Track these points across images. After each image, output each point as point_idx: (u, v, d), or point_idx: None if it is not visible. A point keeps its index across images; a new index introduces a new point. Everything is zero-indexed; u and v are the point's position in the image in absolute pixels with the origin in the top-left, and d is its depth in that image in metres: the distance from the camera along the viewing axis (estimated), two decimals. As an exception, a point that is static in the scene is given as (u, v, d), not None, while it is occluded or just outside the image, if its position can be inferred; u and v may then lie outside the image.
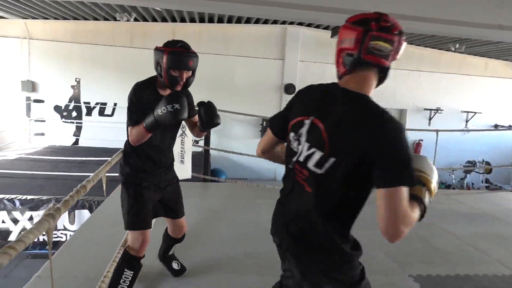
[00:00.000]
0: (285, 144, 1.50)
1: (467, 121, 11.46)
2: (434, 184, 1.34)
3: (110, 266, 2.51)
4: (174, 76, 2.12)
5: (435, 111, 11.17)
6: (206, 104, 2.27)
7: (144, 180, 2.29)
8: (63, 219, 5.65)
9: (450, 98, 11.29)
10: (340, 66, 1.36)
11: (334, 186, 1.26)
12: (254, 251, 3.45)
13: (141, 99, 2.16)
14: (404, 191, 1.16)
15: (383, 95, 10.83)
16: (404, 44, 1.32)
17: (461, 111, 11.40)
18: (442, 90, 11.26)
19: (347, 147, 1.21)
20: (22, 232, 5.58)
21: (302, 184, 1.34)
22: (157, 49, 2.17)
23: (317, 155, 1.26)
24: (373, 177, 1.20)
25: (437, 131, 5.96)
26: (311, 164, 1.29)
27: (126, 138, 2.30)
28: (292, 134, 1.40)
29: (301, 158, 1.33)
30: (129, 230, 2.31)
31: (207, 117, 2.25)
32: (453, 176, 10.91)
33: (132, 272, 2.25)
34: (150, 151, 2.29)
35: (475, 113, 11.29)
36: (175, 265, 2.86)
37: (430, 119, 11.26)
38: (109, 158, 2.71)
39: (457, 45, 9.25)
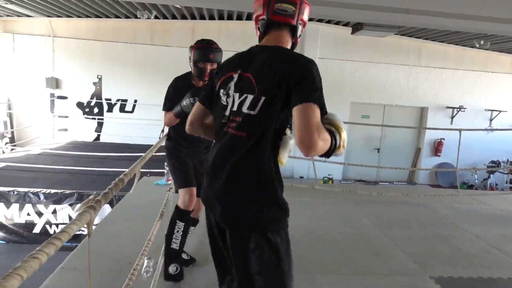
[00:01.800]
0: (212, 118, 1.65)
1: (491, 120, 11.13)
2: (344, 134, 1.44)
3: (139, 259, 2.54)
4: (200, 67, 2.54)
5: (458, 109, 10.89)
6: None
7: (182, 151, 2.72)
8: (85, 213, 5.77)
9: (474, 96, 10.99)
10: (257, 31, 1.60)
11: (266, 124, 1.39)
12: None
13: (176, 89, 2.65)
14: (316, 108, 1.32)
15: (404, 92, 10.71)
16: (308, 7, 1.55)
17: (485, 110, 11.09)
18: (466, 87, 10.97)
19: (272, 85, 1.39)
20: (52, 225, 5.71)
21: (233, 133, 1.45)
22: (190, 46, 2.61)
23: (249, 98, 1.42)
24: (291, 103, 1.34)
25: (460, 130, 5.80)
26: (245, 108, 1.42)
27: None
28: (221, 91, 1.53)
29: (234, 108, 1.46)
30: (179, 189, 2.68)
31: None
32: (476, 176, 10.64)
33: (183, 224, 2.64)
34: (185, 133, 2.43)
35: (500, 111, 10.95)
36: (184, 256, 2.95)
37: (452, 117, 10.99)
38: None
39: (482, 42, 8.97)
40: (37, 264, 0.86)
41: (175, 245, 2.63)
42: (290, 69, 1.38)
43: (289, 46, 1.56)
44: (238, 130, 1.43)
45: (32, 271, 0.83)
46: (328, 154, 1.40)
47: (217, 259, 1.68)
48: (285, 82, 1.37)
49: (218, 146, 1.53)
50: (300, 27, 1.55)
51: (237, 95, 1.47)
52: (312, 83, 1.36)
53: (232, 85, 1.50)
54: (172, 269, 2.67)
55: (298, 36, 1.57)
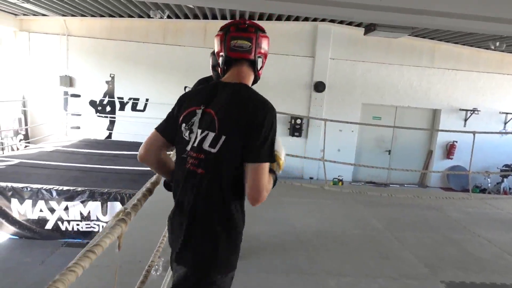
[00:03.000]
0: (168, 154, 1.67)
1: (505, 123, 10.95)
2: (282, 160, 1.61)
3: (154, 256, 2.56)
4: (217, 72, 2.58)
5: (472, 112, 10.74)
6: None
7: None
8: (96, 211, 5.85)
9: (488, 99, 10.82)
10: (218, 67, 1.66)
11: (225, 163, 1.45)
12: (281, 249, 3.45)
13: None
14: (266, 166, 1.45)
15: (416, 94, 10.60)
16: (266, 39, 1.62)
17: (500, 112, 10.91)
18: (480, 90, 10.81)
19: (233, 125, 1.45)
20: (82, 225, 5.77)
21: (193, 170, 1.47)
22: (211, 52, 2.60)
23: (210, 136, 1.46)
24: (244, 152, 1.43)
25: (474, 132, 5.72)
26: (206, 145, 1.46)
27: None
28: (183, 125, 1.54)
29: (196, 144, 1.49)
30: None
31: None
32: (489, 180, 10.47)
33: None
34: None
35: (515, 114, 10.78)
36: None
37: (465, 120, 10.84)
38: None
39: (498, 43, 8.83)
40: (74, 277, 0.91)
41: None
42: (252, 116, 1.45)
43: (251, 80, 1.63)
44: (198, 167, 1.46)
45: (69, 283, 0.87)
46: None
47: None
48: (244, 126, 1.44)
49: (179, 182, 1.53)
50: (260, 60, 1.61)
51: (199, 131, 1.49)
52: (270, 141, 1.45)
53: (196, 120, 1.51)
54: None
55: (259, 69, 1.63)
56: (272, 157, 1.48)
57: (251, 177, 1.42)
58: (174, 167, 1.64)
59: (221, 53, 1.60)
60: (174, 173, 1.61)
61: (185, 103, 1.60)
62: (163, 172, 1.70)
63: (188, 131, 1.52)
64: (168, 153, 1.76)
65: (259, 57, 1.60)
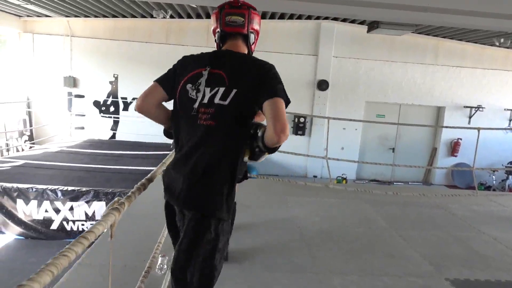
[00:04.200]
0: (163, 108, 1.78)
1: (510, 120, 10.89)
2: None
3: (152, 258, 2.58)
4: None
5: (476, 109, 10.68)
6: None
7: None
8: (101, 211, 5.87)
9: (493, 95, 10.76)
10: (215, 43, 1.82)
11: (235, 114, 1.59)
12: (285, 248, 3.45)
13: None
14: (283, 102, 1.55)
15: (420, 91, 10.56)
16: (257, 16, 1.79)
17: (504, 109, 10.84)
18: (484, 86, 10.75)
19: (243, 80, 1.60)
20: (78, 223, 5.81)
21: (205, 124, 1.59)
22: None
23: (221, 91, 1.59)
24: (260, 100, 1.56)
25: (478, 129, 5.69)
26: (217, 99, 1.59)
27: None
28: (189, 85, 1.65)
29: (205, 100, 1.61)
30: None
31: None
32: (493, 177, 10.42)
33: None
34: None
35: (520, 111, 10.72)
36: None
37: (470, 117, 10.78)
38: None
39: (502, 40, 8.78)
40: (66, 261, 0.93)
41: None
42: (261, 72, 1.62)
43: (245, 53, 1.78)
44: (210, 120, 1.59)
45: (62, 267, 0.90)
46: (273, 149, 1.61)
47: (172, 230, 1.85)
48: (254, 79, 1.59)
49: (188, 136, 1.64)
50: (252, 36, 1.79)
51: (208, 89, 1.61)
52: (278, 85, 1.59)
53: (202, 80, 1.63)
54: None
55: (251, 43, 1.80)
56: (286, 97, 1.58)
57: (272, 111, 1.51)
58: (170, 117, 1.76)
59: (217, 30, 1.76)
60: (180, 132, 1.69)
61: (189, 65, 1.72)
62: (160, 119, 1.80)
63: (195, 91, 1.63)
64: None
65: (251, 32, 1.77)
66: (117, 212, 1.39)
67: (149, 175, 2.04)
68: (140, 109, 1.74)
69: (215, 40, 1.80)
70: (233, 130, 1.59)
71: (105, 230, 1.29)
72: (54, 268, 0.86)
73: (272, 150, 1.59)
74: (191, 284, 1.58)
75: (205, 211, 1.59)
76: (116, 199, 1.49)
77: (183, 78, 1.68)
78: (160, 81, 1.74)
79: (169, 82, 1.72)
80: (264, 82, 1.58)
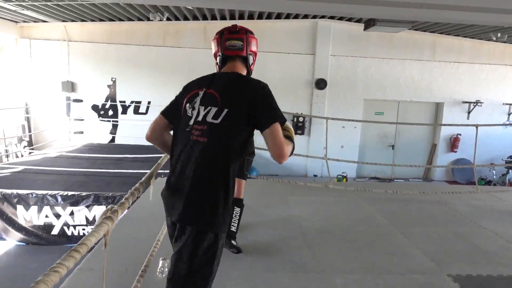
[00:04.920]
0: (171, 134, 1.91)
1: (509, 114, 10.89)
2: (293, 133, 1.87)
3: (148, 261, 2.58)
4: None
5: (475, 104, 10.69)
6: None
7: None
8: (99, 214, 5.87)
9: (491, 90, 10.76)
10: (216, 66, 1.99)
11: (225, 131, 1.68)
12: (286, 247, 3.44)
13: None
14: (279, 126, 1.70)
15: (419, 88, 10.55)
16: (254, 40, 1.96)
17: (503, 104, 10.85)
18: (482, 81, 10.75)
19: (235, 100, 1.71)
20: (78, 228, 5.80)
21: (197, 140, 1.70)
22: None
23: (213, 110, 1.70)
24: (257, 125, 1.70)
25: (476, 125, 5.68)
26: (209, 118, 1.70)
27: None
28: (187, 105, 1.79)
29: (200, 118, 1.72)
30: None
31: None
32: (494, 172, 10.42)
33: (240, 209, 3.21)
34: None
35: (519, 105, 10.72)
36: (234, 242, 3.20)
37: (469, 112, 10.79)
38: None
39: (499, 34, 8.78)
40: (57, 277, 0.90)
41: (234, 228, 3.16)
42: (253, 93, 1.72)
43: (244, 73, 1.92)
44: (201, 136, 1.69)
45: (53, 284, 0.86)
46: (291, 153, 1.79)
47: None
48: (248, 101, 1.69)
49: (182, 151, 1.73)
50: (251, 57, 1.95)
51: (202, 108, 1.74)
52: (272, 107, 1.72)
53: (198, 99, 1.77)
54: (234, 242, 3.17)
55: (250, 64, 1.96)
56: (282, 117, 1.72)
57: (270, 139, 1.67)
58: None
59: (218, 53, 1.94)
60: (175, 146, 1.80)
61: (188, 88, 1.88)
62: (167, 149, 1.94)
63: (191, 109, 1.77)
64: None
65: (250, 54, 1.94)
66: (110, 221, 1.37)
67: (143, 179, 2.03)
68: (148, 139, 1.95)
69: (216, 63, 1.98)
70: (225, 147, 1.67)
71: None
72: (44, 286, 0.84)
73: None
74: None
75: (201, 226, 1.65)
76: (109, 206, 1.48)
77: (184, 99, 1.83)
78: (164, 112, 1.91)
79: (172, 111, 1.87)
80: (258, 105, 1.69)
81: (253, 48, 1.96)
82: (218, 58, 1.96)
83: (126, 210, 5.23)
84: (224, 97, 1.71)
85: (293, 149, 1.81)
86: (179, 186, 1.70)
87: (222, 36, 1.92)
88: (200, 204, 1.65)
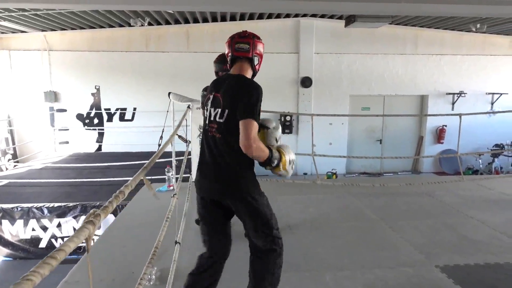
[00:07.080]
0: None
1: (492, 103, 11.05)
2: (286, 158, 2.20)
3: (146, 268, 2.53)
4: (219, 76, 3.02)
5: (458, 95, 10.82)
6: None
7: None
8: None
9: (474, 81, 10.91)
10: (227, 65, 2.31)
11: (230, 128, 2.05)
12: (276, 248, 3.43)
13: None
14: (253, 122, 2.00)
15: (403, 81, 10.65)
16: (260, 43, 2.27)
17: (486, 93, 11.00)
18: (465, 72, 10.89)
19: (231, 101, 2.07)
20: (54, 238, 5.68)
21: (213, 135, 2.14)
22: (213, 61, 3.53)
23: (219, 111, 2.11)
24: (237, 116, 2.02)
25: (460, 114, 5.76)
26: (217, 118, 2.11)
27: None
28: (205, 108, 2.25)
29: (212, 118, 2.15)
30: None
31: None
32: (480, 161, 10.56)
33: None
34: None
35: (501, 94, 10.87)
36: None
37: (453, 103, 10.92)
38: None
39: (479, 25, 8.90)
40: (30, 286, 0.83)
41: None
42: (242, 91, 2.07)
43: (250, 73, 2.24)
44: (215, 133, 2.12)
45: None
46: (264, 163, 2.12)
47: (211, 234, 2.34)
48: (236, 99, 2.05)
49: (205, 144, 2.19)
50: (256, 58, 2.24)
51: (212, 109, 2.16)
52: (251, 103, 2.02)
53: (209, 102, 2.20)
54: None
55: (256, 64, 2.26)
56: (255, 116, 2.00)
57: (241, 130, 1.99)
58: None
59: (229, 54, 2.24)
60: (203, 139, 2.24)
61: (206, 93, 2.30)
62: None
63: (207, 111, 2.20)
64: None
65: (255, 56, 2.23)
66: (91, 226, 1.33)
67: (128, 182, 1.99)
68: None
69: (227, 61, 2.29)
70: (232, 140, 2.05)
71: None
72: None
73: (265, 164, 2.14)
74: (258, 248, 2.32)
75: (232, 196, 2.12)
76: (91, 211, 1.44)
77: (205, 103, 2.29)
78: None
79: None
80: (243, 99, 2.03)
81: (259, 51, 2.25)
82: (228, 59, 2.25)
83: (114, 218, 5.17)
84: (225, 99, 2.09)
85: (269, 159, 2.10)
86: (207, 168, 2.15)
87: (233, 40, 2.22)
88: (223, 178, 2.09)
